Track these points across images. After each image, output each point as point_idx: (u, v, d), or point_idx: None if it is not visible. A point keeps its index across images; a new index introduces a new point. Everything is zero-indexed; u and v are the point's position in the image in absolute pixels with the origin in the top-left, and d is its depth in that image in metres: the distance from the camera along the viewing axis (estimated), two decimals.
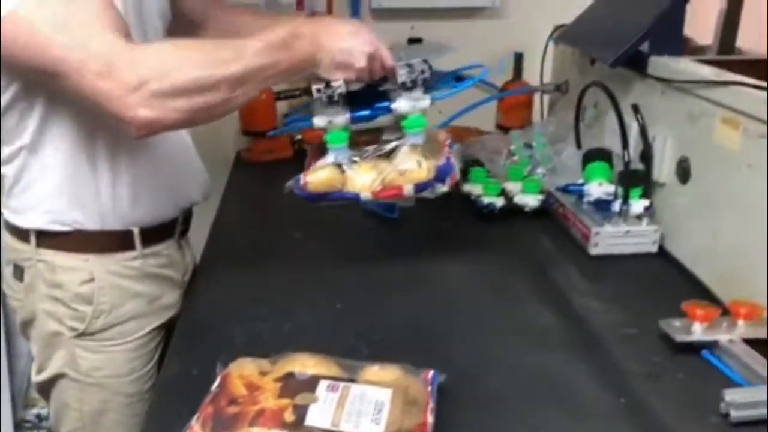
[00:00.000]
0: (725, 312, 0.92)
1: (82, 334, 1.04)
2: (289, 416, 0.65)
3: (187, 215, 1.16)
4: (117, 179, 1.00)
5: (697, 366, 0.86)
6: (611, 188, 1.21)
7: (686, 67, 1.13)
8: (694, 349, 0.88)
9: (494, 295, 1.06)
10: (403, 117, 1.01)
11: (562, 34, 1.53)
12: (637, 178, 1.18)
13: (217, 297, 1.07)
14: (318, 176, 0.99)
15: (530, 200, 1.30)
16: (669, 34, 1.21)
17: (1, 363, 1.96)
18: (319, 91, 0.96)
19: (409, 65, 0.99)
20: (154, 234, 1.07)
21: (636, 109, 1.19)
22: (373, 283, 1.09)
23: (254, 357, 0.78)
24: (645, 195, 1.19)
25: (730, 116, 0.99)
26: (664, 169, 1.17)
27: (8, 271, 1.07)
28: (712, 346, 0.88)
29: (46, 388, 1.10)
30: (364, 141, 1.05)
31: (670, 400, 0.81)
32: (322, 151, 1.03)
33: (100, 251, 1.03)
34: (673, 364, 0.87)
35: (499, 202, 1.31)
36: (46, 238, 1.01)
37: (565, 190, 1.29)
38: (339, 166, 1.00)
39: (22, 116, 0.94)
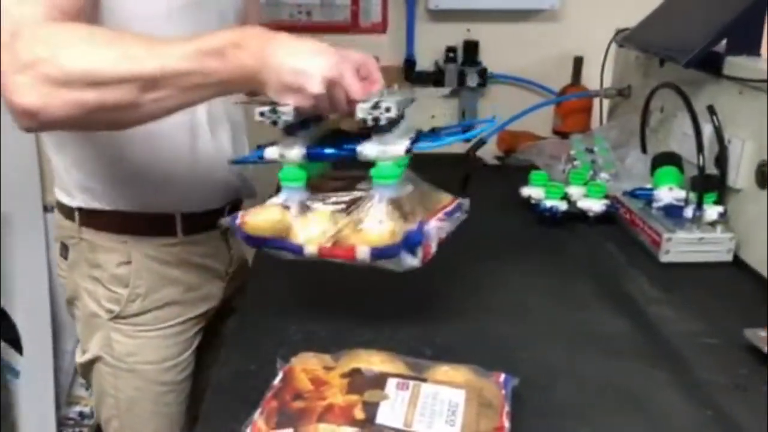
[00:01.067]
0: None
1: (117, 317, 1.03)
2: (359, 413, 0.62)
3: (234, 207, 1.13)
4: (156, 162, 0.99)
5: None
6: (682, 193, 1.16)
7: (764, 69, 1.07)
8: None
9: (559, 302, 1.01)
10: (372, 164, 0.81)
11: (628, 36, 1.48)
12: (711, 183, 1.12)
13: (270, 294, 1.04)
14: (258, 218, 0.81)
15: (594, 205, 1.25)
16: (748, 33, 1.16)
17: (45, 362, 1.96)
18: (262, 114, 0.79)
19: (377, 103, 0.77)
20: (197, 222, 1.06)
21: (711, 110, 1.14)
22: (433, 286, 1.04)
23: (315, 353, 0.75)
24: (719, 201, 1.13)
25: None
26: (740, 174, 1.11)
27: (56, 248, 1.08)
28: None
29: (86, 372, 1.10)
30: (334, 187, 0.86)
31: (761, 414, 0.75)
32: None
33: (139, 234, 1.02)
34: (760, 377, 0.81)
35: (562, 206, 1.26)
36: (88, 217, 1.01)
37: (632, 194, 1.23)
38: (287, 208, 0.82)
39: None
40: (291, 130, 0.81)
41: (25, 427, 1.98)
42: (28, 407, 1.98)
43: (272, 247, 0.82)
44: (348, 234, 0.79)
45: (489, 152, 1.64)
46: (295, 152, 0.82)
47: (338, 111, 0.80)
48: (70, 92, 0.72)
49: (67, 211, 1.03)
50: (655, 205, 1.18)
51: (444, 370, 0.71)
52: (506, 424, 0.65)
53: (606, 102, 1.65)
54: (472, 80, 1.82)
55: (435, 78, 1.83)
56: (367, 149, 0.80)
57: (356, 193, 0.82)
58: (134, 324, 1.04)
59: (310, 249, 0.80)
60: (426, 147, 0.84)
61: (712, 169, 1.14)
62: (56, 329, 1.99)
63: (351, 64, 0.77)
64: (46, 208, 1.91)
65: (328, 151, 0.83)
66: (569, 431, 0.72)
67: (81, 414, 2.09)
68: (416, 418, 0.62)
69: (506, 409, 0.67)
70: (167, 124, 0.95)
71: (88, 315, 1.05)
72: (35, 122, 0.74)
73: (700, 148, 1.14)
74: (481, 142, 1.52)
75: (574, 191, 1.29)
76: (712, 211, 1.12)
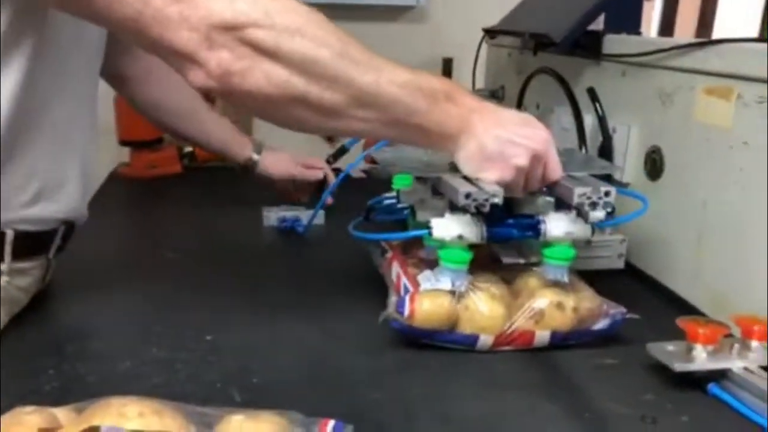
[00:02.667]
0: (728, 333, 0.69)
1: None
2: None
3: (70, 227, 0.86)
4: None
5: (705, 404, 0.62)
6: None
7: (650, 41, 0.93)
8: (694, 381, 0.65)
9: None
10: (544, 243, 0.75)
11: (499, 25, 1.33)
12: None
13: (47, 324, 0.77)
14: (427, 307, 0.70)
15: None
16: (626, 10, 1.03)
17: None
18: (468, 196, 0.68)
19: (585, 183, 0.73)
20: (30, 244, 0.78)
21: (593, 94, 0.99)
22: (257, 313, 0.81)
23: (59, 405, 0.50)
24: None
25: (718, 84, 0.78)
26: (628, 166, 0.96)
27: None
28: (718, 376, 0.65)
29: None
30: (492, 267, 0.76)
31: None
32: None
33: None
34: (672, 403, 0.63)
35: None
36: None
37: None
38: (453, 294, 0.71)
39: None
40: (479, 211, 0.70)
41: None
42: None
43: (435, 340, 0.71)
44: (522, 323, 0.71)
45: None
46: (476, 232, 0.71)
47: (529, 189, 0.74)
48: (278, 69, 0.62)
49: None
50: None
51: (238, 423, 0.47)
52: None
53: None
54: None
55: None
56: (556, 228, 0.74)
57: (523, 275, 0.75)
58: None
59: (485, 338, 0.71)
60: (609, 223, 0.82)
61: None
62: None
63: (552, 141, 0.73)
64: None
65: (513, 231, 0.75)
66: None
67: None
68: None
69: None
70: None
71: None
72: (220, 84, 0.62)
73: (582, 140, 0.99)
74: (343, 151, 1.33)
75: None
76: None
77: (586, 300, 0.72)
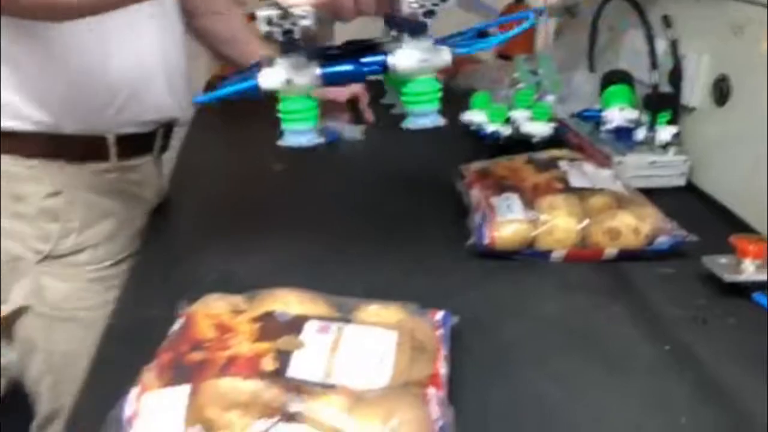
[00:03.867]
0: None
1: (47, 258, 0.89)
2: (268, 364, 0.51)
3: (167, 131, 1.00)
4: (96, 70, 0.85)
5: (749, 309, 0.74)
6: (634, 114, 1.07)
7: None
8: (742, 290, 0.75)
9: None
10: (402, 81, 0.66)
11: None
12: (665, 102, 1.04)
13: (184, 230, 0.92)
14: (505, 232, 0.79)
15: (540, 129, 1.15)
16: None
17: None
18: (270, 22, 0.59)
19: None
20: (131, 145, 0.92)
21: (666, 21, 1.05)
22: (368, 217, 0.94)
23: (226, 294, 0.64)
24: (673, 121, 1.05)
25: None
26: (696, 91, 1.03)
27: None
28: (763, 287, 0.75)
29: (8, 326, 0.95)
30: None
31: (722, 348, 0.68)
32: None
33: (69, 159, 0.88)
34: (721, 308, 0.74)
35: (506, 130, 1.16)
36: (6, 141, 0.86)
37: (580, 116, 1.14)
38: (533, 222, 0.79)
39: None
40: (291, 47, 0.61)
41: None
42: None
43: (515, 257, 0.81)
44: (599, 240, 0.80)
45: None
46: (307, 74, 0.63)
47: (363, 10, 0.62)
48: None
49: None
50: (604, 127, 1.09)
51: (372, 310, 0.61)
52: (442, 370, 0.56)
53: (552, 22, 1.55)
54: None
55: None
56: (403, 59, 0.63)
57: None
58: (68, 265, 0.90)
59: (559, 254, 0.80)
60: (465, 50, 0.68)
61: (665, 87, 1.06)
62: None
63: None
64: None
65: (349, 67, 0.64)
66: (515, 375, 0.63)
67: None
68: (337, 368, 0.52)
69: (443, 352, 0.58)
70: (93, 34, 0.82)
71: (9, 260, 0.90)
72: None
73: (653, 63, 1.06)
74: None
75: (519, 115, 1.19)
76: (665, 133, 1.04)
77: (653, 220, 0.82)
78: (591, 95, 1.19)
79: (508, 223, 0.81)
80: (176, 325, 0.59)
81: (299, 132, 0.66)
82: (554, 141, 1.15)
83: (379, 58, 0.64)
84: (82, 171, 0.89)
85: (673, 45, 1.04)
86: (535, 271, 0.81)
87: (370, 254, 0.85)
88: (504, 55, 1.60)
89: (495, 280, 0.80)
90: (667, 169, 1.03)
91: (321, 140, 0.67)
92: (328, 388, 0.50)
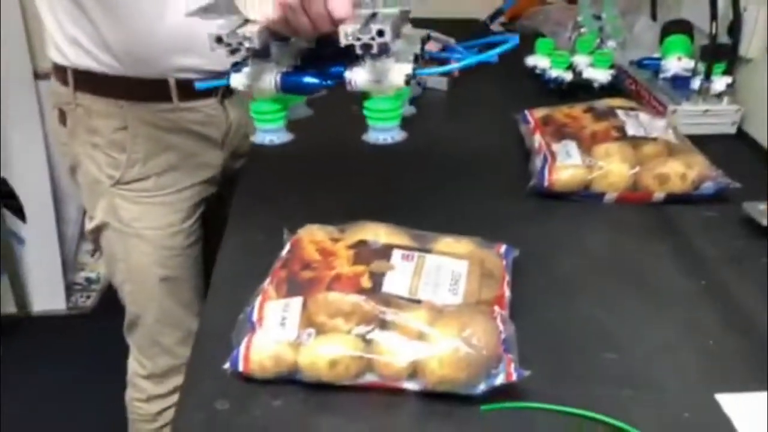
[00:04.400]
0: None
1: (118, 183, 1.04)
2: (366, 282, 0.63)
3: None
4: (152, 26, 0.95)
5: None
6: (691, 63, 1.13)
7: None
8: None
9: None
10: (364, 96, 0.68)
11: None
12: (722, 53, 1.09)
13: (273, 167, 1.03)
14: (564, 177, 0.89)
15: (600, 75, 1.22)
16: None
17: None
18: (219, 41, 0.62)
19: (367, 23, 0.61)
20: (192, 88, 1.03)
21: None
22: (437, 158, 1.04)
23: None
24: (728, 72, 1.11)
25: None
26: (754, 43, 1.08)
27: (54, 115, 1.06)
28: None
29: (96, 239, 1.11)
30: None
31: (754, 284, 0.77)
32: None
33: (135, 99, 1.00)
34: (756, 249, 0.83)
35: (568, 76, 1.23)
36: (83, 80, 0.99)
37: (639, 64, 1.20)
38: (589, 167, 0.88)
39: None
40: (261, 51, 0.65)
41: (36, 293, 2.05)
42: (36, 273, 2.03)
43: (571, 198, 0.89)
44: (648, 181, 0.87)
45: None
46: (267, 81, 0.67)
47: (315, 30, 0.64)
48: None
49: (62, 75, 1.01)
50: (662, 75, 1.15)
51: (447, 242, 0.72)
52: (507, 292, 0.67)
53: None
54: None
55: None
56: (359, 77, 0.65)
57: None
58: (136, 190, 1.04)
59: (611, 196, 0.89)
60: (430, 73, 0.72)
61: (724, 38, 1.11)
62: (58, 197, 2.00)
63: None
64: (38, 75, 1.87)
65: (308, 79, 0.67)
66: (567, 300, 0.74)
67: (88, 279, 2.16)
68: (421, 287, 0.64)
69: (507, 278, 0.69)
70: None
71: (91, 182, 1.05)
72: None
73: (714, 14, 1.10)
74: (500, 12, 1.49)
75: (580, 60, 1.26)
76: (719, 82, 1.10)
77: (700, 167, 0.90)
78: (651, 43, 1.24)
79: (566, 167, 0.90)
80: (285, 249, 0.72)
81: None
82: (614, 86, 1.22)
83: (338, 71, 0.66)
84: (147, 109, 1.01)
85: None
86: (589, 211, 0.90)
87: (439, 193, 0.95)
88: None
89: (553, 219, 0.90)
90: (720, 118, 1.09)
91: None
92: (414, 303, 0.62)
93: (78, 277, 2.15)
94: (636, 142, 0.93)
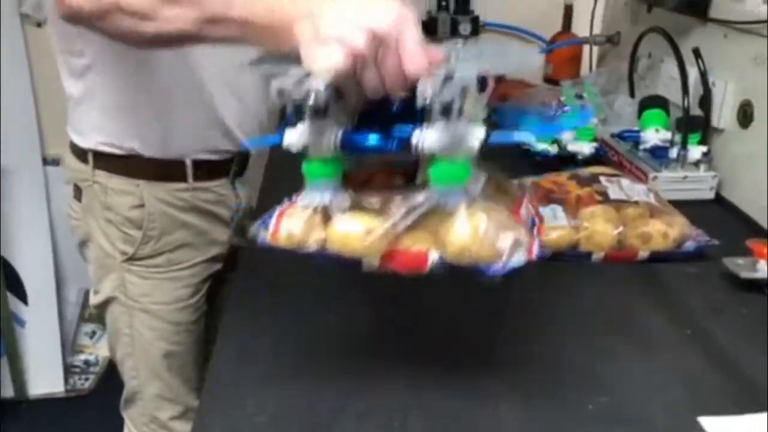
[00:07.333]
0: None
1: (131, 258, 1.07)
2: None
3: (243, 158, 1.17)
4: (173, 110, 1.02)
5: (762, 302, 0.86)
6: (668, 135, 1.21)
7: (752, 8, 1.11)
8: (758, 287, 0.88)
9: None
10: (432, 159, 0.60)
11: None
12: (695, 124, 1.17)
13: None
14: (551, 236, 0.85)
15: (584, 148, 1.29)
16: None
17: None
18: (281, 93, 0.57)
19: (448, 77, 0.56)
20: (206, 170, 1.09)
21: (697, 53, 1.18)
22: None
23: None
24: (703, 141, 1.18)
25: None
26: (723, 115, 1.16)
27: (69, 190, 1.11)
28: None
29: (101, 312, 1.14)
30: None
31: (735, 332, 0.81)
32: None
33: (152, 178, 1.05)
34: (737, 300, 0.87)
35: (553, 149, 1.30)
36: (102, 161, 1.04)
37: (620, 137, 1.28)
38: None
39: (81, 32, 0.94)
40: (321, 109, 0.58)
41: (35, 376, 2.04)
42: (36, 356, 2.04)
43: (560, 259, 0.86)
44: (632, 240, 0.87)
45: None
46: (327, 139, 0.61)
47: (383, 87, 0.58)
48: None
49: (81, 153, 1.06)
50: (641, 146, 1.23)
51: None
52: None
53: (596, 49, 1.68)
54: (465, 29, 1.84)
55: (427, 27, 1.85)
56: (429, 139, 0.58)
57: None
58: (147, 266, 1.08)
59: (598, 256, 0.88)
60: (503, 139, 0.60)
61: (696, 111, 1.19)
62: (59, 279, 2.03)
63: (413, 23, 0.57)
64: (46, 161, 1.94)
65: (373, 140, 0.61)
66: (562, 348, 0.78)
67: (86, 362, 2.16)
68: None
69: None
70: (183, 76, 0.99)
71: (102, 256, 1.09)
72: (65, 9, 0.77)
73: (685, 90, 1.19)
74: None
75: (565, 135, 1.33)
76: (695, 151, 1.17)
77: (681, 227, 0.95)
78: (630, 118, 1.32)
79: (554, 228, 0.95)
80: None
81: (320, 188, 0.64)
82: (597, 158, 1.29)
83: (404, 132, 0.59)
84: (163, 188, 1.06)
85: (703, 74, 1.17)
86: (578, 269, 0.95)
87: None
88: (551, 80, 1.74)
89: (545, 275, 0.94)
90: (698, 184, 1.16)
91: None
92: None
93: (77, 360, 2.15)
94: (619, 205, 0.98)
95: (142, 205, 1.05)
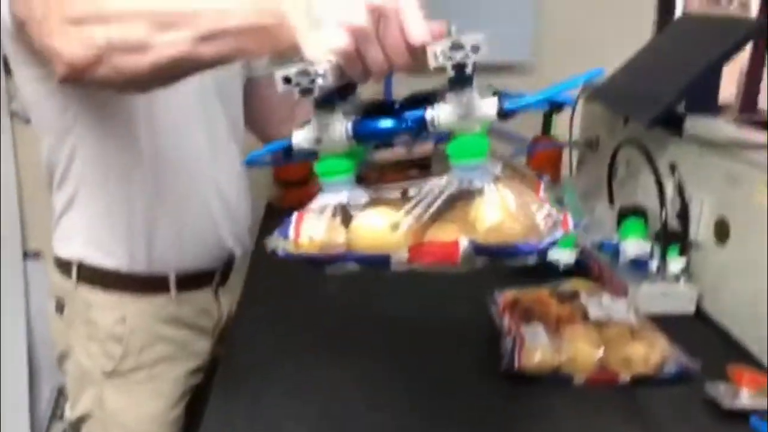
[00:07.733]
0: None
1: (111, 374, 1.05)
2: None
3: (227, 266, 1.16)
4: (154, 223, 1.02)
5: (746, 430, 0.85)
6: (647, 246, 1.21)
7: (725, 128, 1.14)
8: (741, 414, 0.87)
9: None
10: (448, 138, 0.60)
11: (594, 93, 1.55)
12: (673, 237, 1.18)
13: (256, 353, 1.06)
14: (536, 360, 0.84)
15: (565, 256, 1.30)
16: (705, 94, 1.23)
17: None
18: (287, 81, 0.56)
19: (456, 44, 0.55)
20: (190, 281, 1.08)
21: (673, 169, 1.20)
22: (401, 333, 1.08)
23: None
24: (682, 254, 1.19)
25: None
26: (701, 229, 1.17)
27: (51, 305, 1.09)
28: (759, 410, 0.87)
29: (76, 429, 1.10)
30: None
31: None
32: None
33: (134, 292, 1.04)
34: (720, 428, 0.86)
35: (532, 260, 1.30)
36: (86, 274, 1.03)
37: (600, 247, 1.28)
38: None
39: (60, 141, 0.97)
40: (324, 103, 0.58)
41: None
42: None
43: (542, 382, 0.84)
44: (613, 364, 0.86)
45: None
46: (338, 130, 0.60)
47: (389, 64, 0.57)
48: (81, 30, 0.69)
49: (66, 268, 1.05)
50: (621, 257, 1.23)
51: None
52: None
53: (575, 153, 1.71)
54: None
55: None
56: (444, 112, 0.58)
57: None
58: (127, 381, 1.05)
59: (580, 378, 0.86)
60: (517, 107, 0.60)
61: (675, 223, 1.20)
62: (32, 376, 1.98)
63: None
64: (26, 255, 1.92)
65: (385, 123, 0.60)
66: None
67: None
68: None
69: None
70: (170, 187, 1.00)
71: (81, 372, 1.06)
72: (63, 67, 0.72)
73: (662, 203, 1.20)
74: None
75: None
76: (675, 264, 1.17)
77: (662, 349, 0.94)
78: (610, 226, 1.33)
79: (535, 350, 0.94)
80: None
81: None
82: (578, 266, 1.29)
83: (417, 113, 0.59)
84: (146, 302, 1.05)
85: (680, 188, 1.19)
86: (559, 392, 0.93)
87: (403, 371, 0.98)
88: None
89: (525, 399, 0.93)
90: (678, 298, 1.16)
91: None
92: None
93: None
94: (599, 325, 0.98)
95: (124, 320, 1.03)
